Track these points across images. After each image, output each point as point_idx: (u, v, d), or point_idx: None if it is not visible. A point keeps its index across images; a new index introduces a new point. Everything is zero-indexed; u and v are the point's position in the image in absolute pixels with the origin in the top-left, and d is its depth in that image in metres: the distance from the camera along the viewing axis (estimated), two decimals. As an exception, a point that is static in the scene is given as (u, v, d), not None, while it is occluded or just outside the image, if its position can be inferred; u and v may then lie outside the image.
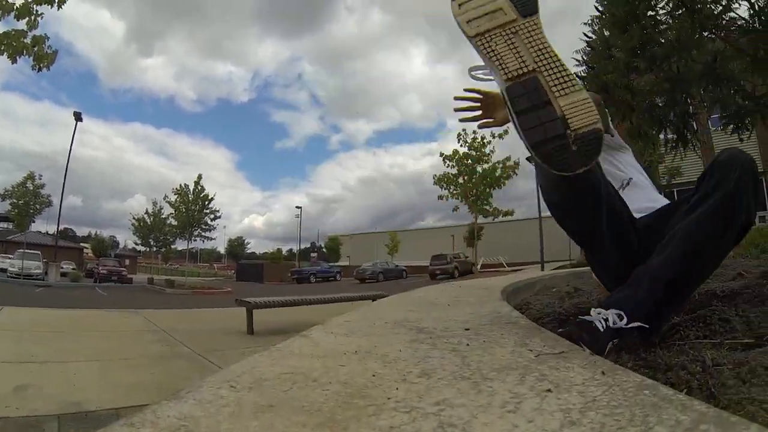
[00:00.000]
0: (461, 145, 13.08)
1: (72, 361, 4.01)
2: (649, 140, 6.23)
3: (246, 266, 37.88)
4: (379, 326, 1.14)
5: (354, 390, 0.72)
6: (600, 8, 5.78)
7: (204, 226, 27.30)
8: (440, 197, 13.72)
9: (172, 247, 44.08)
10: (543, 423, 0.57)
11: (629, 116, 5.96)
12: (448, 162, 13.20)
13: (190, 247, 45.79)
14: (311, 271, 35.43)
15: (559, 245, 20.57)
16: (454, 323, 1.00)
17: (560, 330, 1.05)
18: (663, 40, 5.13)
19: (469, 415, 0.62)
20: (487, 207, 13.37)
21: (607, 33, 5.68)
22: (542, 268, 18.72)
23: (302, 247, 59.23)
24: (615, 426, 0.55)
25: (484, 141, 12.96)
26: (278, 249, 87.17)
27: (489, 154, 13.05)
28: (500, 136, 13.13)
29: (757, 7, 4.82)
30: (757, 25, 4.78)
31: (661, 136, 6.34)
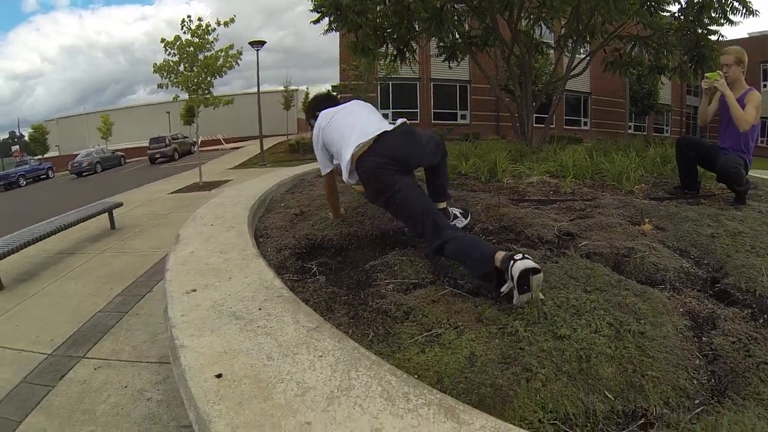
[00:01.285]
0: (184, 32, 11.98)
1: None
2: (371, 54, 7.21)
3: (-69, 174, 27.90)
4: (213, 315, 1.49)
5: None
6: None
7: None
8: (160, 86, 12.60)
9: None
10: (323, 376, 1.10)
11: (356, 32, 6.77)
12: (168, 49, 12.00)
13: None
14: (19, 173, 28.87)
15: (277, 119, 20.81)
16: (249, 302, 1.50)
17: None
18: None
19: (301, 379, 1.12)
20: (208, 96, 12.87)
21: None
22: (261, 146, 19.97)
23: (-3, 138, 46.37)
24: (346, 369, 1.12)
25: (209, 28, 12.14)
26: (-38, 144, 66.97)
27: (212, 41, 12.34)
28: (225, 24, 12.47)
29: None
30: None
31: (382, 50, 7.37)
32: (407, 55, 7.28)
